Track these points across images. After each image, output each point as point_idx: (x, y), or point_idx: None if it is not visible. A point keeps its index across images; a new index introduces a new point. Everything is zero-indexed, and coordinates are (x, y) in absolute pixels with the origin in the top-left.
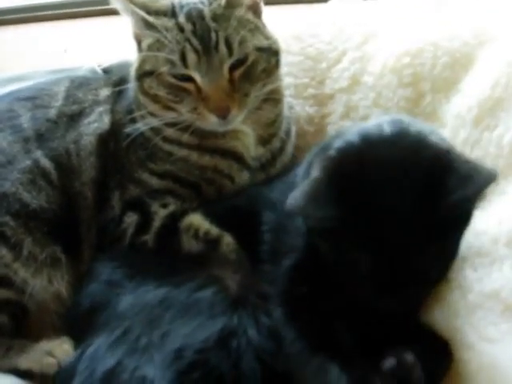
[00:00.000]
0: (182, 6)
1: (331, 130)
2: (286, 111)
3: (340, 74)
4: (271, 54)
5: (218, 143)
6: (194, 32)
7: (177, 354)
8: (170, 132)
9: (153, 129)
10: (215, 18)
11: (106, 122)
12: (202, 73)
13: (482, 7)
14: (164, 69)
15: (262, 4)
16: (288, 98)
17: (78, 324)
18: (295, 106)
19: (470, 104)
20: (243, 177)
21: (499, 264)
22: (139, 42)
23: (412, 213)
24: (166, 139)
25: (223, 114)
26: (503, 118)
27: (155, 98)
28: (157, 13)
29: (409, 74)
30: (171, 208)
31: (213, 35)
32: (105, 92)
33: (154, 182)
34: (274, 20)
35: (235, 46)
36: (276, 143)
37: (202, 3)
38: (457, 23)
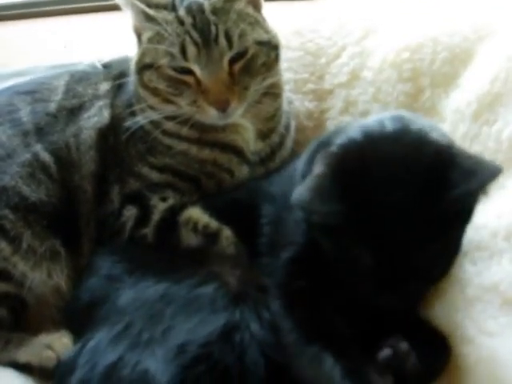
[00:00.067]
0: (182, 0)
1: (330, 124)
2: (285, 106)
3: (339, 69)
4: (271, 48)
5: (218, 137)
6: (194, 25)
7: (180, 349)
8: (169, 125)
9: (152, 122)
10: (215, 11)
11: (105, 116)
12: (202, 65)
13: (481, 2)
14: (164, 61)
15: None
16: (287, 93)
17: (78, 318)
18: (295, 101)
19: (470, 99)
20: (243, 171)
21: (498, 258)
22: (139, 36)
23: (413, 209)
24: (165, 133)
25: (223, 107)
26: (502, 112)
27: (155, 91)
28: (157, 6)
29: (408, 68)
30: (170, 201)
31: (213, 28)
32: (105, 86)
33: (154, 175)
34: (274, 15)
35: (235, 39)
36: (275, 138)
37: None
38: (456, 18)
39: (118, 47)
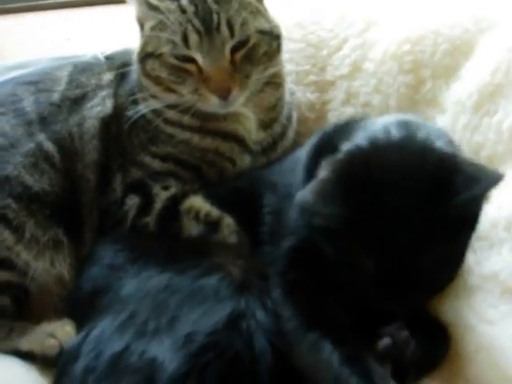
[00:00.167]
0: None
1: (332, 116)
2: (287, 97)
3: (341, 61)
4: (273, 37)
5: (220, 126)
6: (196, 13)
7: (187, 339)
8: (171, 114)
9: (154, 111)
10: (217, 0)
11: (108, 106)
12: (204, 53)
13: None
14: (166, 49)
15: None
16: (289, 85)
17: (80, 307)
18: (296, 93)
19: (470, 90)
20: (244, 160)
21: (498, 247)
22: (142, 25)
23: (416, 216)
24: (167, 121)
25: (224, 95)
26: (503, 104)
27: (157, 80)
28: None
29: (409, 60)
30: (172, 190)
31: (214, 17)
32: (108, 76)
33: (156, 164)
34: (276, 7)
35: (237, 27)
36: (277, 128)
37: None
38: (457, 10)
39: (120, 40)
